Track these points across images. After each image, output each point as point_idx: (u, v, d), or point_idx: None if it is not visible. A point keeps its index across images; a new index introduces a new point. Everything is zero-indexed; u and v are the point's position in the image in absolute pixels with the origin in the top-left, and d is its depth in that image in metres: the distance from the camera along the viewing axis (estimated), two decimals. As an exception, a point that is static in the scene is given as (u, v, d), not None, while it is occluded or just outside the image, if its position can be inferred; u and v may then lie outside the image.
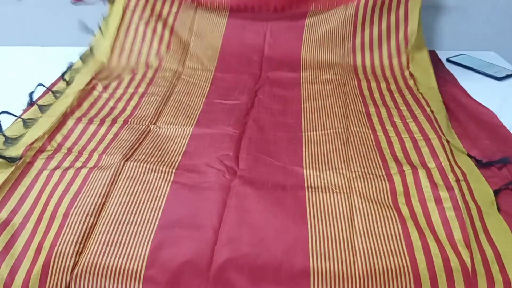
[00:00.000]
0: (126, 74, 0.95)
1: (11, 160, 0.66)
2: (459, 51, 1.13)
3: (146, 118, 0.79)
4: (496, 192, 0.62)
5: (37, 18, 1.22)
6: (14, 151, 0.69)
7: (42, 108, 0.82)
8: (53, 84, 0.92)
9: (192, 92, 0.90)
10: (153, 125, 0.78)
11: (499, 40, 1.20)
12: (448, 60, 1.09)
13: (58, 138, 0.72)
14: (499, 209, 0.59)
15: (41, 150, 0.69)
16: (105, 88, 0.89)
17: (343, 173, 0.65)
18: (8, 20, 1.22)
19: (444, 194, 0.60)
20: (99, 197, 0.59)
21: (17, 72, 1.03)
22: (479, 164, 0.68)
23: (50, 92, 0.87)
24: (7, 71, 1.04)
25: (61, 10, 1.20)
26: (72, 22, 1.20)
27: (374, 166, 0.67)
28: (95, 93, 0.87)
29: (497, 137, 0.75)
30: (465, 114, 0.82)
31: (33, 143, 0.69)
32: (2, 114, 0.78)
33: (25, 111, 0.82)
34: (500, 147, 0.72)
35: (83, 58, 1.01)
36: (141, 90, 0.89)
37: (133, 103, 0.84)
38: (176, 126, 0.77)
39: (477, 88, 0.92)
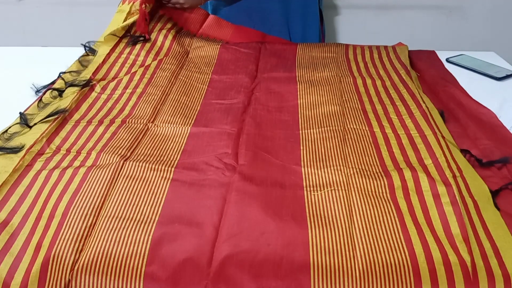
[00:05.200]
0: (123, 74, 0.95)
1: (11, 150, 0.66)
2: (459, 51, 1.13)
3: (144, 117, 0.79)
4: (496, 192, 0.62)
5: (37, 18, 1.22)
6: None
7: (40, 105, 0.82)
8: (52, 84, 0.92)
9: (189, 92, 0.90)
10: (151, 124, 0.78)
11: (498, 40, 1.20)
12: (447, 60, 1.09)
13: (57, 141, 0.72)
14: (498, 209, 0.59)
15: (40, 153, 0.69)
16: (103, 89, 0.89)
17: (341, 170, 0.65)
18: (8, 20, 1.23)
19: (441, 189, 0.60)
20: (98, 196, 0.59)
21: (17, 72, 1.03)
22: (479, 163, 0.68)
23: (50, 91, 0.87)
24: (7, 71, 1.04)
25: (61, 10, 1.20)
26: (72, 22, 1.20)
27: (372, 162, 0.67)
28: (93, 94, 0.87)
29: (497, 137, 0.75)
30: (465, 114, 0.82)
31: (31, 147, 0.69)
32: (1, 112, 0.78)
33: (25, 110, 0.82)
34: (500, 147, 0.72)
35: (81, 61, 1.01)
36: (139, 90, 0.89)
37: (131, 103, 0.84)
38: (174, 125, 0.77)
39: (477, 88, 0.92)
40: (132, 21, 1.04)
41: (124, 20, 1.06)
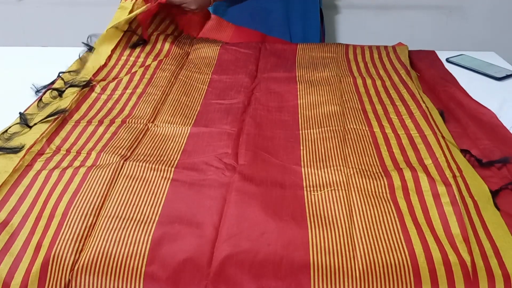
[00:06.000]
0: (123, 74, 0.95)
1: (11, 150, 0.66)
2: (459, 51, 1.13)
3: (144, 117, 0.79)
4: (496, 192, 0.62)
5: (37, 18, 1.22)
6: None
7: (40, 105, 0.82)
8: (52, 84, 0.92)
9: (189, 92, 0.90)
10: (151, 124, 0.78)
11: (498, 40, 1.20)
12: (447, 60, 1.09)
13: (57, 141, 0.72)
14: (498, 209, 0.59)
15: (40, 153, 0.69)
16: (103, 89, 0.89)
17: (341, 170, 0.65)
18: (8, 20, 1.23)
19: (441, 189, 0.60)
20: (98, 196, 0.59)
21: (17, 72, 1.03)
22: (479, 163, 0.68)
23: (50, 91, 0.87)
24: (7, 71, 1.04)
25: (61, 10, 1.20)
26: (72, 22, 1.20)
27: (372, 162, 0.67)
28: (93, 94, 0.87)
29: (497, 137, 0.75)
30: (465, 114, 0.82)
31: (31, 147, 0.69)
32: (1, 112, 0.78)
33: (25, 110, 0.82)
34: (500, 147, 0.72)
35: (82, 58, 1.01)
36: (139, 90, 0.89)
37: (131, 103, 0.84)
38: (174, 125, 0.77)
39: (477, 88, 0.92)
40: (135, 14, 1.03)
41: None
